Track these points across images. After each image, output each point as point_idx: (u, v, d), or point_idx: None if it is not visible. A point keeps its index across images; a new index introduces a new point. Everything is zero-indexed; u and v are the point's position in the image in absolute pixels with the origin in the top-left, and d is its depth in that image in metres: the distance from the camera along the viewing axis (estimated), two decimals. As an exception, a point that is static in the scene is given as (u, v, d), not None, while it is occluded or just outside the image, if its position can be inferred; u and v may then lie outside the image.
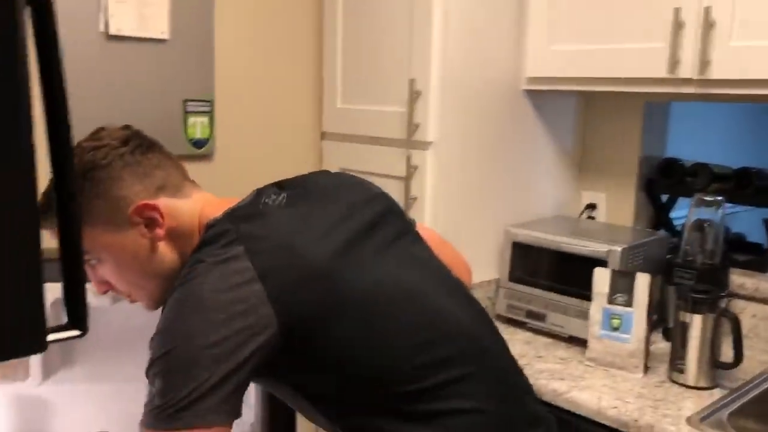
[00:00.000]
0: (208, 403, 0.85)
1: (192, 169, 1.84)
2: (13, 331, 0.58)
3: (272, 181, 1.11)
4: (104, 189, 0.99)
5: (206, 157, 1.86)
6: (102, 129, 1.04)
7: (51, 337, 0.62)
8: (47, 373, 1.37)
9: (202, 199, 1.06)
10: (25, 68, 0.52)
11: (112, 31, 1.59)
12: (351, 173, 1.24)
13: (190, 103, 1.77)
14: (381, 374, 0.97)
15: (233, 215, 0.98)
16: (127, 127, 1.07)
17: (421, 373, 0.97)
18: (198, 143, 1.81)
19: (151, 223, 1.01)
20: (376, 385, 0.97)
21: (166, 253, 1.03)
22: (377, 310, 0.98)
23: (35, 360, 1.35)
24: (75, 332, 0.67)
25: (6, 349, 0.59)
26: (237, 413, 0.88)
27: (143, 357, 1.44)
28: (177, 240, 1.03)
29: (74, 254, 0.65)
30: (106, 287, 1.06)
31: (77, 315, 0.66)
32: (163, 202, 1.02)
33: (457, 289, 1.11)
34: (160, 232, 1.01)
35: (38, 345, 0.61)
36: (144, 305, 1.08)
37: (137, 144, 1.03)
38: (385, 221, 1.08)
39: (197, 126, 1.79)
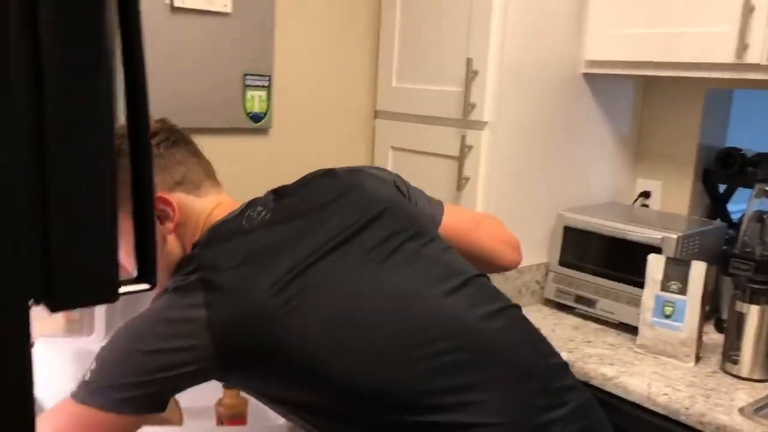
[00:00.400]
0: (124, 395, 0.93)
1: (248, 143, 1.88)
2: (87, 280, 0.61)
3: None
4: (123, 176, 1.02)
5: (262, 131, 1.88)
6: None
7: (122, 289, 0.64)
8: (111, 329, 1.42)
9: (215, 201, 1.09)
10: (109, 37, 0.55)
11: (177, 3, 1.62)
12: (350, 167, 1.18)
13: (249, 77, 1.79)
14: (365, 387, 0.94)
15: (212, 233, 1.03)
16: (162, 120, 1.12)
17: (414, 382, 0.93)
18: (255, 117, 1.84)
19: (162, 216, 1.05)
20: (362, 398, 0.94)
21: (174, 245, 1.07)
22: (347, 326, 0.95)
23: (99, 317, 1.39)
24: (144, 285, 0.69)
25: (80, 297, 0.62)
26: (149, 410, 0.96)
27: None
28: (183, 235, 1.07)
29: (145, 209, 0.67)
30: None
31: (146, 269, 0.68)
32: (178, 197, 1.06)
33: (465, 282, 1.03)
34: (170, 225, 1.06)
35: (110, 295, 0.63)
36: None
37: (164, 138, 1.08)
38: (375, 225, 1.04)
39: (255, 100, 1.82)
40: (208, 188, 1.10)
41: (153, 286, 0.69)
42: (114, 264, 0.62)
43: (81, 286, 0.61)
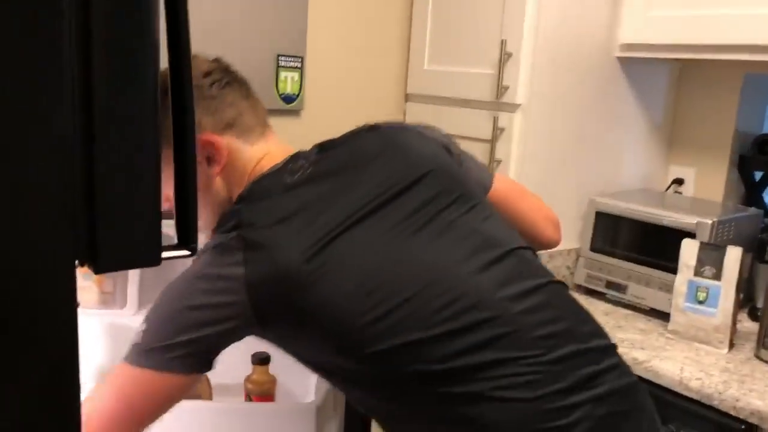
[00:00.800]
0: (174, 354, 0.93)
1: (280, 123, 1.88)
2: (131, 244, 0.62)
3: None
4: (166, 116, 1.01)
5: (295, 112, 1.89)
6: (193, 57, 1.06)
7: (164, 254, 0.65)
8: (143, 302, 1.43)
9: (264, 150, 1.07)
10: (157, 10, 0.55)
11: (212, -17, 1.64)
12: (398, 124, 1.15)
13: (282, 58, 1.80)
14: (394, 359, 0.93)
15: (254, 187, 1.01)
16: (216, 60, 1.09)
17: (441, 357, 0.92)
18: (288, 98, 1.84)
19: (210, 159, 1.03)
20: (391, 369, 0.94)
21: (220, 188, 1.06)
22: (375, 297, 0.93)
23: (132, 290, 1.41)
24: (185, 251, 0.70)
25: (124, 260, 0.63)
26: (199, 368, 0.96)
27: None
28: (229, 181, 1.06)
29: (186, 175, 0.68)
30: (168, 204, 1.11)
31: (188, 235, 0.69)
32: (227, 141, 1.04)
33: (504, 255, 1.00)
34: (216, 169, 1.04)
35: (153, 259, 0.64)
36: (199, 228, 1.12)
37: (217, 78, 1.05)
38: (416, 188, 1.01)
39: (288, 81, 1.83)
40: (258, 135, 1.08)
41: (194, 252, 0.70)
42: (157, 228, 0.63)
43: (124, 250, 0.62)
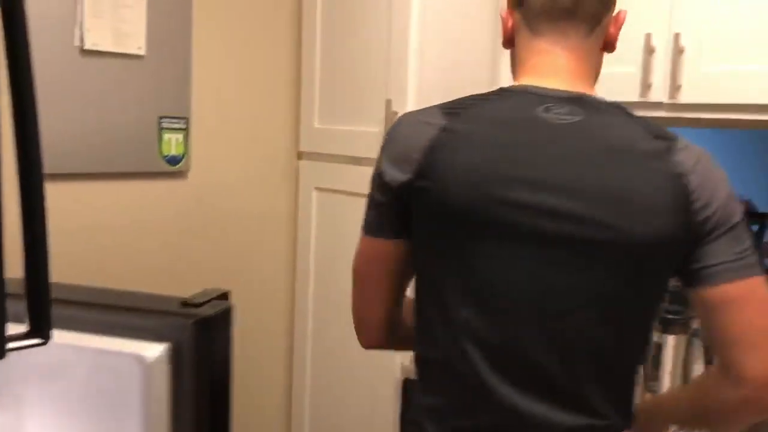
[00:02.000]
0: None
1: (166, 185, 1.84)
2: (-29, 338, 0.57)
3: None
4: None
5: (180, 174, 1.85)
6: None
7: (11, 345, 0.61)
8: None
9: (542, 49, 0.98)
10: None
11: (88, 45, 1.59)
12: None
13: (165, 120, 1.76)
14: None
15: (520, 89, 0.98)
16: None
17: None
18: (172, 160, 1.80)
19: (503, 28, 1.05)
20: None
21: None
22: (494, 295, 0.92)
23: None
24: (37, 340, 0.65)
25: (-37, 356, 0.58)
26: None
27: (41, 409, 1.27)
28: (512, 57, 1.07)
29: (37, 248, 0.64)
30: None
31: (40, 322, 0.65)
32: (515, 18, 1.01)
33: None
34: (502, 39, 1.06)
35: (-3, 353, 0.59)
36: None
37: None
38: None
39: (172, 142, 1.78)
40: (543, 27, 0.97)
41: (47, 341, 0.65)
42: (2, 317, 0.58)
43: (-39, 345, 0.57)
